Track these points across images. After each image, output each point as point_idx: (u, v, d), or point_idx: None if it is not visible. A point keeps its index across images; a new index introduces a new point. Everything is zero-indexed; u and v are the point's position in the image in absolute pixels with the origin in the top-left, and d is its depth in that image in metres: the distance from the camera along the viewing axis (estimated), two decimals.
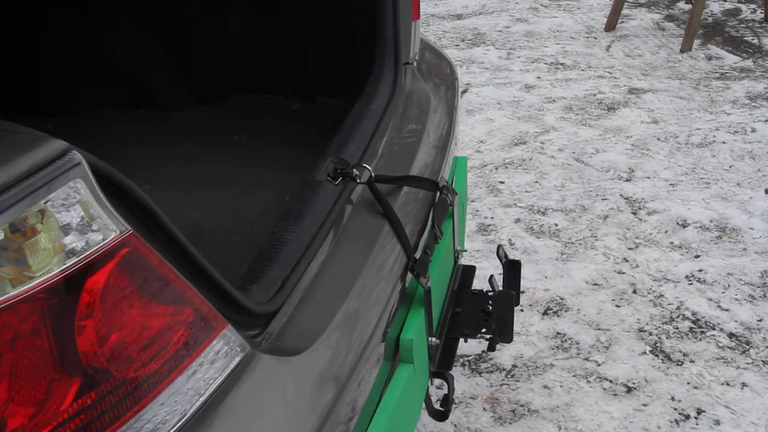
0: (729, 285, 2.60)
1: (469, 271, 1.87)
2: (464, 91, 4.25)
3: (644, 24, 5.16)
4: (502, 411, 2.14)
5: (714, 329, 2.41)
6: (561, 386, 2.21)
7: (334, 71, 2.24)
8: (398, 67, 1.80)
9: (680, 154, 3.48)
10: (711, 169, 3.34)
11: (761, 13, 5.18)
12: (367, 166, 1.44)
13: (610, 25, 5.07)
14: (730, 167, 3.35)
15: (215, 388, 0.92)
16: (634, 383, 2.21)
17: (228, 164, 2.13)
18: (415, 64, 1.93)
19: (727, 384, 2.20)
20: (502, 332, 1.66)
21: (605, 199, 3.14)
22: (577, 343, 2.37)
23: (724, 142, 3.55)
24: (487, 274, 1.94)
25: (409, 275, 1.39)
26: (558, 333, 2.42)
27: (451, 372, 1.58)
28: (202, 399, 0.90)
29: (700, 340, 2.37)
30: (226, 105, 2.41)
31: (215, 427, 0.91)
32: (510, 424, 2.10)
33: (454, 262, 1.76)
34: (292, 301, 1.17)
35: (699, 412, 2.11)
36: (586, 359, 2.31)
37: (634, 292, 2.59)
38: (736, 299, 2.53)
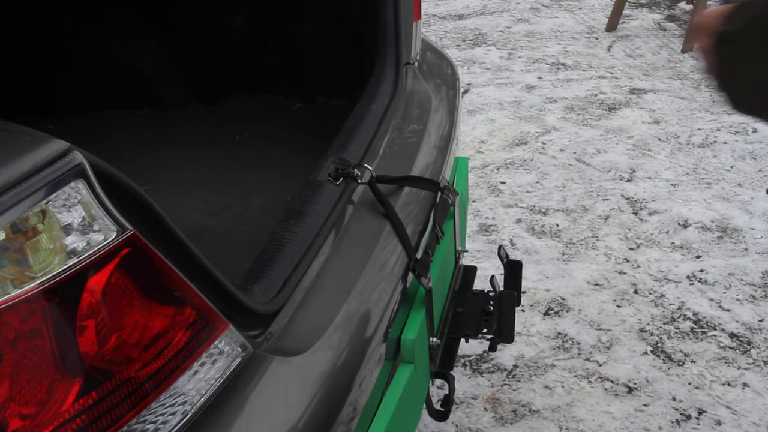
0: (730, 285, 2.60)
1: (471, 272, 1.86)
2: (465, 92, 4.25)
3: (645, 24, 5.15)
4: (504, 411, 2.14)
5: (715, 329, 2.41)
6: (562, 386, 2.21)
7: (336, 72, 2.25)
8: (399, 68, 1.80)
9: (681, 154, 3.48)
10: (712, 170, 3.33)
11: None
12: (369, 167, 1.44)
13: (612, 26, 5.07)
14: (732, 167, 3.34)
15: (216, 389, 0.92)
16: (635, 383, 2.21)
17: (229, 164, 2.13)
18: (416, 64, 1.93)
19: (729, 384, 2.20)
20: (503, 332, 1.65)
21: (606, 200, 3.14)
22: (578, 344, 2.37)
23: (725, 143, 3.54)
24: (488, 274, 1.94)
25: (411, 275, 1.39)
26: (559, 333, 2.42)
27: (452, 372, 1.58)
28: (203, 399, 0.90)
29: (702, 340, 2.37)
30: (228, 105, 2.41)
31: (216, 427, 0.91)
32: (511, 424, 2.10)
33: (455, 263, 1.76)
34: (293, 302, 1.17)
35: (700, 412, 2.11)
36: (588, 359, 2.31)
37: (636, 292, 2.59)
38: (737, 299, 2.53)
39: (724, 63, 0.87)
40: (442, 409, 1.58)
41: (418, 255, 1.43)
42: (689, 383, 2.21)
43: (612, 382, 2.22)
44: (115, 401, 0.80)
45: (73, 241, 0.76)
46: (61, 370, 0.76)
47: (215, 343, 0.92)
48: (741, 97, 0.87)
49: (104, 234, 0.78)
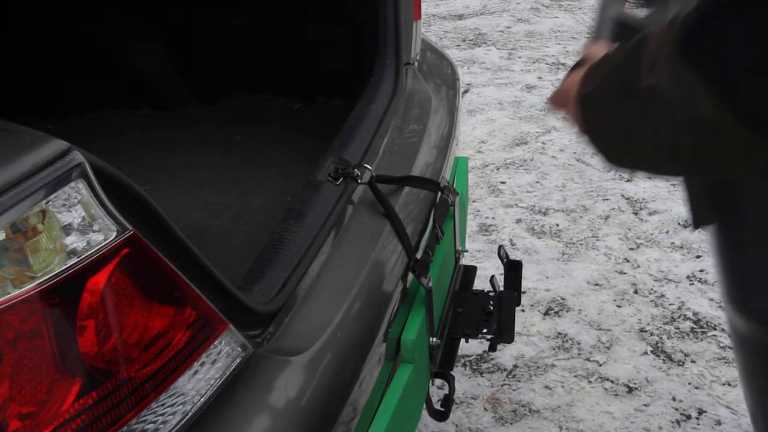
0: None
1: (471, 272, 1.86)
2: (465, 92, 4.25)
3: None
4: (504, 411, 2.14)
5: (715, 329, 2.41)
6: (562, 386, 2.21)
7: (335, 71, 2.25)
8: (399, 68, 1.80)
9: None
10: None
11: None
12: (369, 166, 1.44)
13: None
14: None
15: (216, 388, 0.92)
16: (635, 383, 2.21)
17: (229, 164, 2.14)
18: (416, 64, 1.93)
19: (729, 384, 2.19)
20: (503, 332, 1.65)
21: (606, 200, 3.14)
22: (579, 344, 2.37)
23: None
24: (488, 274, 1.94)
25: (411, 275, 1.39)
26: (559, 333, 2.42)
27: (452, 372, 1.58)
28: (203, 399, 0.90)
29: (702, 340, 2.37)
30: (228, 105, 2.41)
31: (216, 427, 0.92)
32: (511, 424, 2.10)
33: (455, 263, 1.76)
34: (293, 302, 1.17)
35: (700, 412, 2.11)
36: (588, 359, 2.31)
37: (636, 292, 2.59)
38: None
39: (588, 125, 0.88)
40: (442, 409, 1.58)
41: (418, 255, 1.43)
42: (689, 383, 2.21)
43: (612, 382, 2.22)
44: (115, 401, 0.80)
45: (73, 241, 0.76)
46: (61, 370, 0.76)
47: (215, 343, 0.92)
48: (608, 155, 0.88)
49: (104, 234, 0.78)
